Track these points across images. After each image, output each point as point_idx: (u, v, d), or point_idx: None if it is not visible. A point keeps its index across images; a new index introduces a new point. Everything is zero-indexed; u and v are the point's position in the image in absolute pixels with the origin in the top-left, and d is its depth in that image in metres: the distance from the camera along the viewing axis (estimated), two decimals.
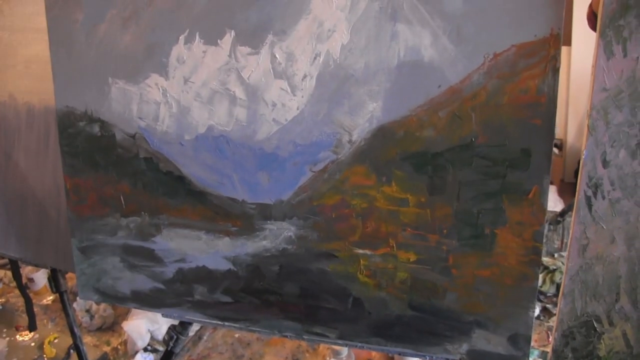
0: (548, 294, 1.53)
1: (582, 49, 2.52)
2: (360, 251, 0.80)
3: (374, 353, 1.43)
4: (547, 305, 1.50)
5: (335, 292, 0.83)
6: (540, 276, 1.56)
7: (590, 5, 1.03)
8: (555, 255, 1.67)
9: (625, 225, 0.67)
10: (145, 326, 1.54)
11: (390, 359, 1.30)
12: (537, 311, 1.50)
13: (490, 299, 0.77)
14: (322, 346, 1.49)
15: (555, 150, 2.96)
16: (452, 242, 0.75)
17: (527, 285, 0.75)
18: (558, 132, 3.04)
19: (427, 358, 0.89)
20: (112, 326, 1.67)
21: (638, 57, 0.61)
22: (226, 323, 0.95)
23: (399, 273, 0.80)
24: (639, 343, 0.70)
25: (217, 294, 0.91)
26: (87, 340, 1.58)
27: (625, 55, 0.61)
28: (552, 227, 1.82)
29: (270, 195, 0.82)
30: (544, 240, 1.69)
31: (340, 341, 0.79)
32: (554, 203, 2.29)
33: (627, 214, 0.67)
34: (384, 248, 0.79)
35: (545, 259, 1.61)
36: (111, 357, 1.53)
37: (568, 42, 2.66)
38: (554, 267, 1.57)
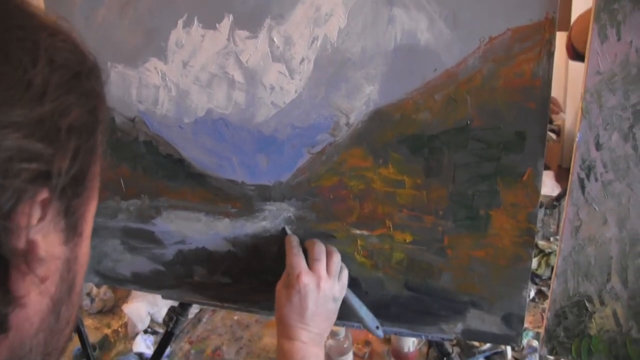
0: (543, 277, 1.54)
1: None
2: (358, 232, 0.82)
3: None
4: (542, 288, 1.52)
5: None
6: (536, 259, 1.57)
7: (569, 37, 1.04)
8: (551, 239, 1.68)
9: (617, 207, 0.69)
10: (145, 309, 1.55)
11: (386, 339, 1.31)
12: (532, 293, 1.51)
13: (485, 280, 0.78)
14: None
15: (553, 135, 2.96)
16: (448, 223, 0.77)
17: (521, 266, 0.76)
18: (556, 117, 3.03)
19: (423, 337, 0.91)
20: (112, 309, 1.68)
21: (631, 41, 0.62)
22: (225, 304, 0.97)
23: (396, 254, 0.81)
24: (628, 322, 0.72)
25: (216, 275, 0.93)
26: (88, 323, 1.59)
27: (619, 39, 0.62)
28: (548, 211, 1.83)
29: (269, 177, 0.83)
30: (540, 224, 1.70)
31: (337, 321, 0.81)
32: (551, 188, 2.29)
33: (619, 196, 0.68)
34: (381, 229, 0.80)
35: (541, 243, 1.62)
36: (112, 339, 1.54)
37: (567, 28, 2.65)
38: (550, 251, 1.58)
